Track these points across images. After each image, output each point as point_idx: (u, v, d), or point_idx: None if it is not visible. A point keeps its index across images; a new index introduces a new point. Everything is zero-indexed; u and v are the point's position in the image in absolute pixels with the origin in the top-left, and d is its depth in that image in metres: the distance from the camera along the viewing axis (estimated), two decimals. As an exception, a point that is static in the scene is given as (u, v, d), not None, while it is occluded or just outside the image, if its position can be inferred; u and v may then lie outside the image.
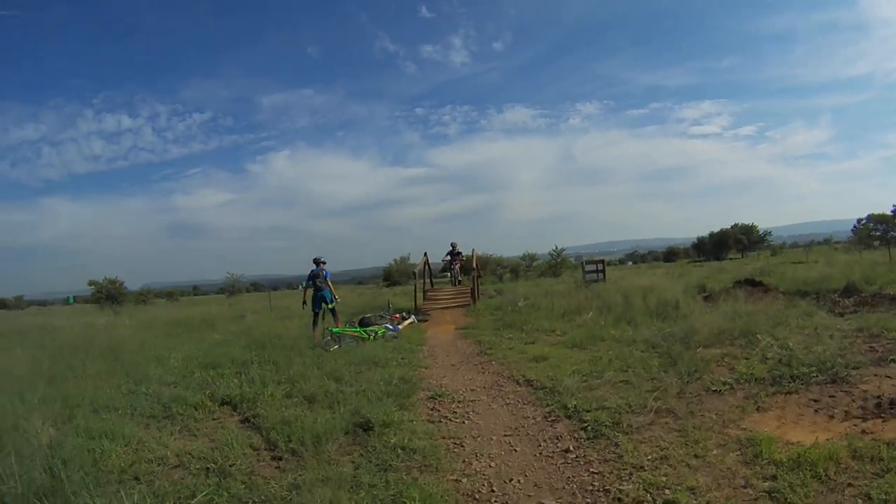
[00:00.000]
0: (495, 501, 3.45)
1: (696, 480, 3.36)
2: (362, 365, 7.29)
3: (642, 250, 73.64)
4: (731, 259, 39.53)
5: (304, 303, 10.93)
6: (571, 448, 4.14)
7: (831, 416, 4.27)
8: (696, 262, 39.95)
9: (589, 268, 16.68)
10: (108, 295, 28.18)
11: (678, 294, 10.76)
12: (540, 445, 4.32)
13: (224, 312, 18.23)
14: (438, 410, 5.43)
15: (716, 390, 5.06)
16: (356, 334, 9.80)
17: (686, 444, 3.92)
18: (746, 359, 5.92)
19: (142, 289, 40.15)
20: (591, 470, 3.74)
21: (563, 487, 3.56)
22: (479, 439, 4.57)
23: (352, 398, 5.54)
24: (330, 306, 10.73)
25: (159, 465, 4.05)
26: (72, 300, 37.68)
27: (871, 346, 5.95)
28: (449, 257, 17.18)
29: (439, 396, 5.86)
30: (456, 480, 3.75)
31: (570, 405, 5.01)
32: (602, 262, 16.89)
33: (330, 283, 10.79)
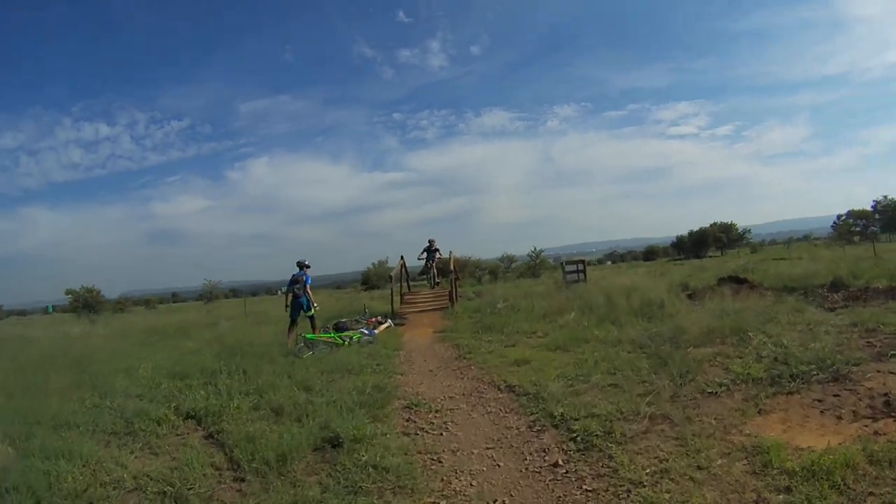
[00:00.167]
0: (477, 528, 3.03)
1: (702, 497, 2.99)
2: (335, 373, 6.91)
3: (621, 250, 74.16)
4: (710, 257, 39.98)
5: (287, 306, 10.42)
6: (561, 462, 3.74)
7: (839, 417, 3.95)
8: (676, 260, 40.27)
9: (569, 268, 16.39)
10: (86, 304, 28.26)
11: (663, 293, 10.49)
12: (526, 459, 3.91)
13: (200, 319, 17.90)
14: (414, 421, 5.01)
15: (712, 392, 4.71)
16: (330, 340, 9.37)
17: (687, 455, 3.55)
18: (740, 358, 5.60)
19: (120, 297, 39.89)
20: (585, 487, 3.34)
21: (554, 509, 3.16)
22: (458, 454, 4.15)
23: (322, 410, 5.16)
24: (308, 314, 10.23)
25: (115, 488, 3.74)
26: (51, 309, 37.30)
27: (868, 342, 5.68)
28: (426, 254, 16.63)
29: (415, 406, 5.44)
30: (433, 503, 3.35)
31: (556, 413, 4.61)
32: (583, 262, 16.60)
33: (309, 290, 10.25)
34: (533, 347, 7.86)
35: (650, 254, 52.00)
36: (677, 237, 48.21)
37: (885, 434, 3.54)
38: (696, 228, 46.11)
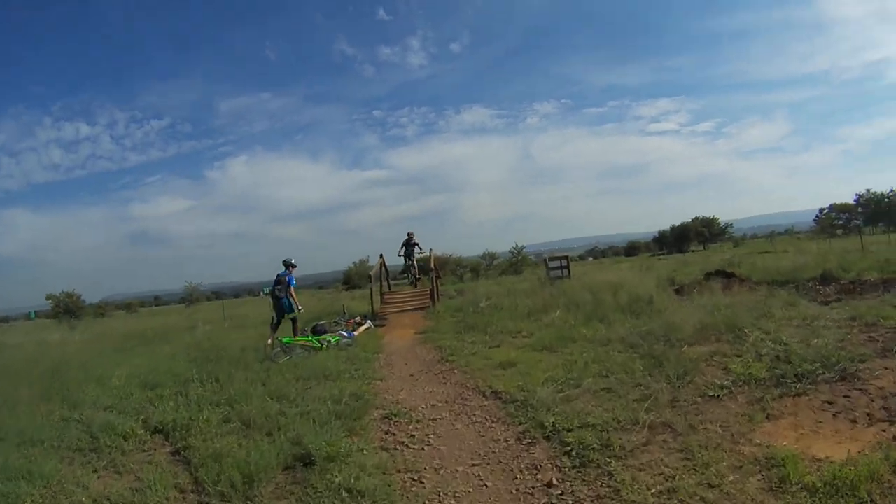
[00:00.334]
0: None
1: (717, 522, 2.63)
2: (311, 380, 6.50)
3: (602, 245, 74.29)
4: (693, 251, 40.07)
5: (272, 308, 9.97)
6: (555, 481, 3.36)
7: (853, 421, 3.65)
8: (659, 255, 40.32)
9: (553, 264, 16.03)
10: (67, 309, 28.07)
11: (651, 288, 10.20)
12: (516, 478, 3.52)
13: (181, 323, 17.41)
14: (394, 434, 4.61)
15: (713, 396, 4.39)
16: (308, 344, 8.88)
17: (695, 470, 3.19)
18: (739, 356, 5.29)
19: (102, 301, 39.50)
20: (583, 512, 2.96)
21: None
22: (441, 472, 3.76)
23: (294, 422, 4.77)
24: (290, 316, 9.74)
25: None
26: (33, 315, 36.59)
27: (870, 336, 5.43)
28: (405, 248, 16.09)
29: (395, 416, 5.03)
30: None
31: (547, 422, 4.23)
32: (566, 257, 16.27)
33: (293, 292, 9.75)
34: (518, 348, 7.50)
35: (632, 249, 52.01)
36: (659, 232, 48.20)
37: (905, 439, 3.24)
38: (677, 223, 46.23)
